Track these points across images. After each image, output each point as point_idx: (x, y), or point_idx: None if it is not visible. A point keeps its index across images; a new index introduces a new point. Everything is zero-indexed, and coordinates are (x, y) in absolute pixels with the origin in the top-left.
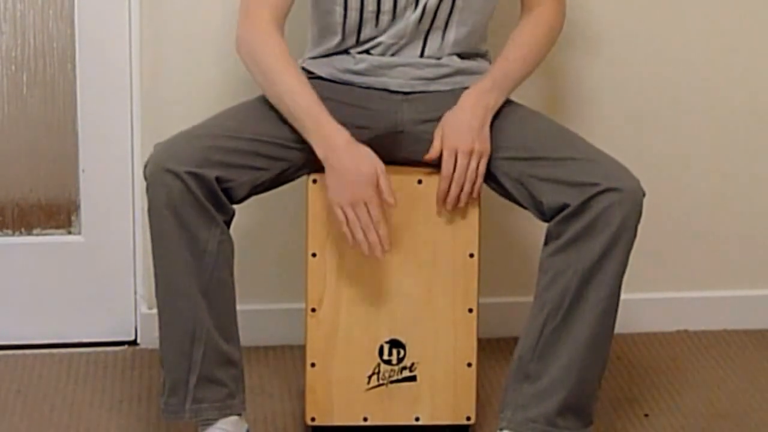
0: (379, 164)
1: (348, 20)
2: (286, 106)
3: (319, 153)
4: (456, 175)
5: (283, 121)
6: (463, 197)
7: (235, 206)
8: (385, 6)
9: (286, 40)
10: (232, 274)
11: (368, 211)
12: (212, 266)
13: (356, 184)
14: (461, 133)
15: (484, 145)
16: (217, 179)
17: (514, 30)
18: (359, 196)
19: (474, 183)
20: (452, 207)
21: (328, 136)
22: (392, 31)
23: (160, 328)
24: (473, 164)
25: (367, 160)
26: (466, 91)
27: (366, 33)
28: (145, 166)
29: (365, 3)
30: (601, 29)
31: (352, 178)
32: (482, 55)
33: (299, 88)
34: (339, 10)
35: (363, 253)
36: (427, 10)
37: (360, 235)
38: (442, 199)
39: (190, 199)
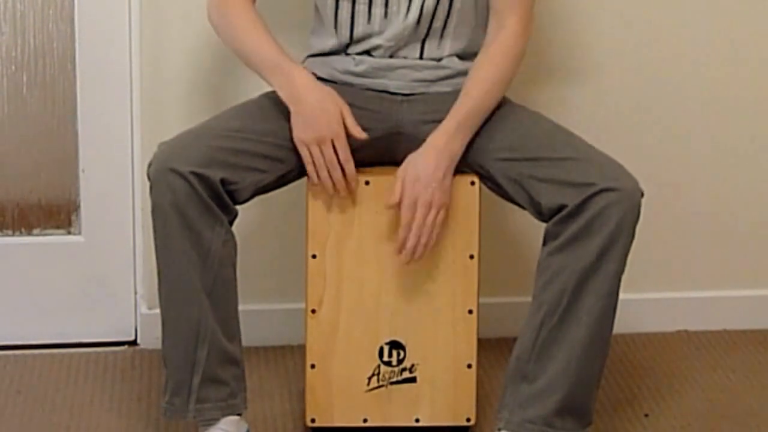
0: (343, 103)
1: (340, 13)
2: (250, 57)
3: (284, 95)
4: (414, 227)
5: (287, 121)
6: (419, 249)
7: (237, 207)
8: None
9: (257, 12)
10: (235, 274)
11: (334, 149)
12: (217, 266)
13: (321, 120)
14: (422, 184)
15: (445, 197)
16: (222, 181)
17: (476, 59)
18: (326, 132)
19: (430, 235)
20: (409, 259)
21: (292, 77)
22: (389, 33)
23: (163, 327)
24: (431, 217)
25: (331, 97)
26: (432, 135)
27: (359, 30)
28: (149, 166)
29: None
30: (602, 28)
31: (317, 114)
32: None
33: (263, 40)
34: (330, 2)
35: (327, 191)
36: (424, 13)
37: (324, 174)
38: (399, 249)
39: (194, 199)
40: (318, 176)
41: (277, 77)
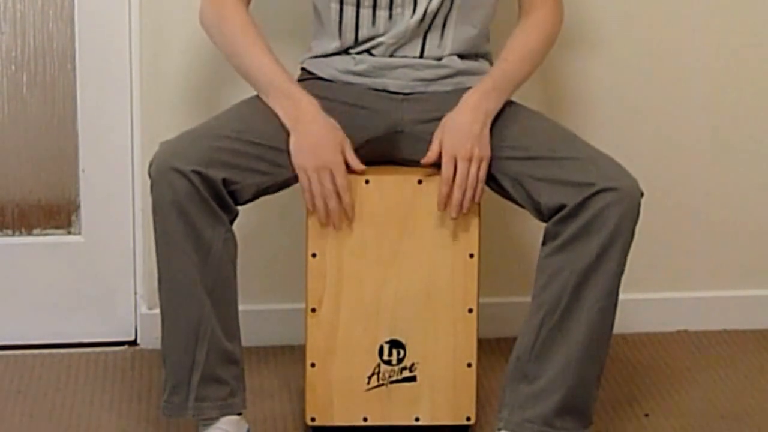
0: (344, 136)
1: (344, 17)
2: (249, 73)
3: (288, 120)
4: (457, 181)
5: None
6: (465, 203)
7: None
8: (382, 1)
9: (251, 16)
10: (235, 273)
11: (332, 180)
12: (217, 265)
13: (323, 149)
14: (461, 138)
15: (484, 150)
16: (224, 181)
17: (512, 33)
18: (324, 161)
19: (475, 188)
20: (456, 213)
21: (298, 102)
22: (392, 32)
23: (163, 326)
24: (473, 170)
25: (334, 129)
26: (467, 93)
27: (363, 32)
28: (150, 165)
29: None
30: (601, 28)
31: (320, 142)
32: (483, 56)
33: (262, 56)
34: (335, 6)
35: (320, 221)
36: (428, 12)
37: (320, 203)
38: (443, 204)
39: (196, 198)
40: (313, 204)
41: (281, 100)
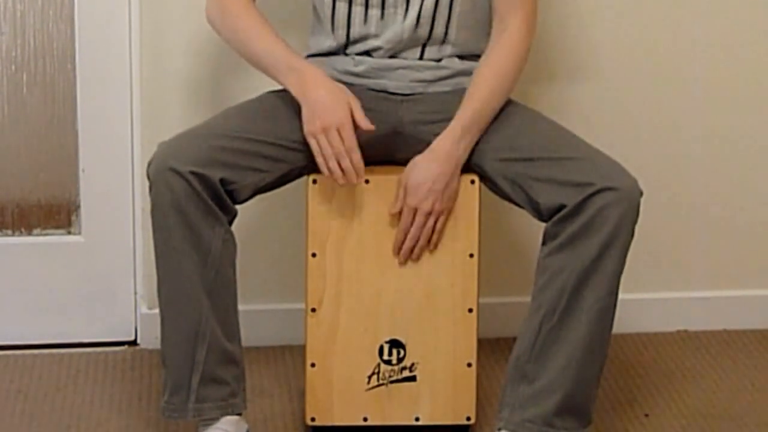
0: (352, 96)
1: (337, 13)
2: (256, 55)
3: (295, 92)
4: (412, 232)
5: (287, 121)
6: (417, 251)
7: (237, 206)
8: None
9: (259, 11)
10: (234, 273)
11: (341, 138)
12: (217, 265)
13: (329, 109)
14: (423, 193)
15: (446, 203)
16: (221, 181)
17: (480, 60)
18: (331, 120)
19: (429, 239)
20: (405, 260)
21: (303, 73)
22: (387, 36)
23: (163, 326)
24: (430, 223)
25: (340, 90)
26: (438, 139)
27: (355, 30)
28: (149, 165)
29: None
30: (601, 27)
31: (326, 104)
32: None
33: (267, 36)
34: (328, 2)
35: (337, 181)
36: (422, 17)
37: (333, 163)
38: (396, 251)
39: (194, 199)
40: (327, 167)
41: (289, 77)
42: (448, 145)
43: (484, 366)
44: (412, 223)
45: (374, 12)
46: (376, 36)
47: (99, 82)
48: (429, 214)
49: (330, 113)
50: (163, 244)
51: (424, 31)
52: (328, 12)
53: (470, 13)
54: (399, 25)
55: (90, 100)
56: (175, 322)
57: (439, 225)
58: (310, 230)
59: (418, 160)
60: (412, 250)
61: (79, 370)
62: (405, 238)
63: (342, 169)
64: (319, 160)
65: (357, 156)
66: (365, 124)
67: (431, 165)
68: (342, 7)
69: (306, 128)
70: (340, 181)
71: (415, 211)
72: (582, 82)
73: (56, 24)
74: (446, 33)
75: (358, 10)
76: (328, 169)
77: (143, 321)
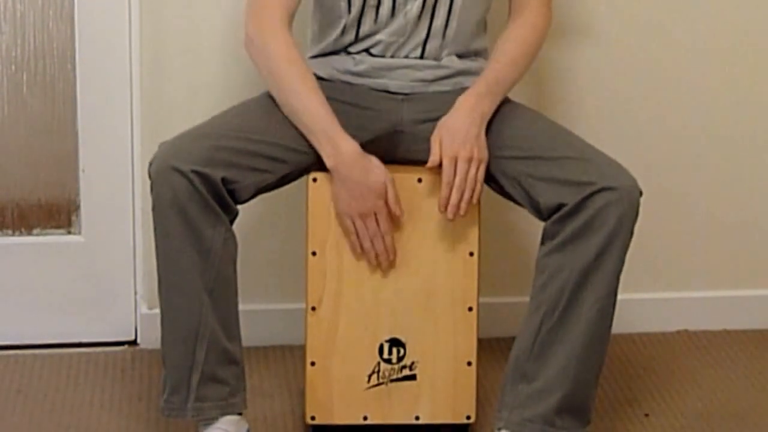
0: (387, 175)
1: (351, 13)
2: (295, 111)
3: (329, 163)
4: (456, 182)
5: (289, 121)
6: (464, 204)
7: (238, 206)
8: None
9: (295, 39)
10: (235, 272)
11: (377, 222)
12: (217, 264)
13: (366, 195)
14: (460, 140)
15: (482, 152)
16: (223, 180)
17: (502, 33)
18: (369, 207)
19: (474, 189)
20: (453, 215)
21: (339, 147)
22: (391, 28)
23: (163, 326)
24: (473, 171)
25: (377, 171)
26: (462, 95)
27: (365, 28)
28: (150, 165)
29: None
30: (600, 26)
31: (362, 190)
32: (481, 54)
33: (309, 94)
34: (343, 5)
35: (371, 262)
36: (425, 9)
37: (368, 245)
38: (445, 206)
39: (196, 198)
40: (361, 247)
41: (323, 144)
42: (473, 100)
43: (484, 365)
44: (455, 176)
45: (384, 10)
46: (381, 31)
47: (99, 82)
48: (470, 160)
49: (369, 199)
50: (163, 243)
51: (424, 23)
52: (343, 13)
53: (471, 7)
54: (402, 18)
55: (90, 100)
56: (175, 322)
57: (480, 174)
58: (311, 229)
59: (446, 116)
60: (459, 204)
61: (79, 370)
62: (450, 193)
63: (375, 251)
64: (352, 239)
65: (390, 239)
66: (397, 210)
67: (460, 117)
68: (356, 7)
69: (341, 208)
70: (373, 263)
71: (455, 161)
72: (582, 83)
73: (56, 24)
74: (446, 26)
75: (369, 9)
76: (362, 248)
77: (143, 321)
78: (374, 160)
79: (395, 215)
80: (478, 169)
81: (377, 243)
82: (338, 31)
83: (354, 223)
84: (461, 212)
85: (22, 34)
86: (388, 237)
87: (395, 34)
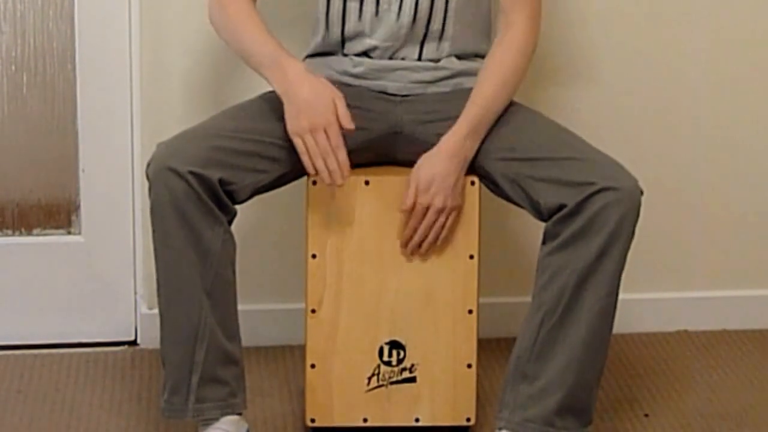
0: (336, 91)
1: (331, 10)
2: (244, 49)
3: (278, 88)
4: (422, 228)
5: (284, 120)
6: (425, 245)
7: (236, 206)
8: None
9: (256, 10)
10: (234, 273)
11: (327, 138)
12: (216, 265)
13: (314, 110)
14: (435, 189)
15: (456, 200)
16: (220, 181)
17: (486, 59)
18: (318, 121)
19: (438, 236)
20: (412, 253)
21: (285, 70)
22: (382, 33)
23: (162, 327)
24: (441, 220)
25: (324, 87)
26: (445, 137)
27: (350, 27)
28: (148, 165)
29: None
30: (600, 26)
31: (310, 105)
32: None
33: (260, 36)
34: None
35: (324, 181)
36: (419, 14)
37: (320, 163)
38: (404, 244)
39: (193, 199)
40: (314, 166)
41: (273, 72)
42: (454, 143)
43: (484, 366)
44: (422, 220)
45: (369, 8)
46: (370, 33)
47: (99, 82)
48: (441, 210)
49: (316, 113)
50: (162, 244)
51: (421, 26)
52: (323, 8)
53: (467, 7)
54: (394, 23)
55: (90, 100)
56: (174, 322)
57: (449, 222)
58: (310, 232)
59: (426, 158)
60: (420, 244)
61: (79, 370)
62: (412, 235)
63: (328, 169)
64: (305, 159)
65: (343, 155)
66: (347, 123)
67: (440, 162)
68: (337, 3)
69: (290, 127)
70: (327, 181)
71: (427, 208)
72: (583, 83)
73: (56, 24)
74: (443, 29)
75: (352, 6)
76: (314, 168)
77: (143, 321)
78: (322, 79)
79: (348, 130)
80: (447, 218)
81: (330, 161)
82: (322, 30)
83: (305, 142)
84: (420, 252)
85: (22, 34)
86: (341, 153)
87: (389, 39)
